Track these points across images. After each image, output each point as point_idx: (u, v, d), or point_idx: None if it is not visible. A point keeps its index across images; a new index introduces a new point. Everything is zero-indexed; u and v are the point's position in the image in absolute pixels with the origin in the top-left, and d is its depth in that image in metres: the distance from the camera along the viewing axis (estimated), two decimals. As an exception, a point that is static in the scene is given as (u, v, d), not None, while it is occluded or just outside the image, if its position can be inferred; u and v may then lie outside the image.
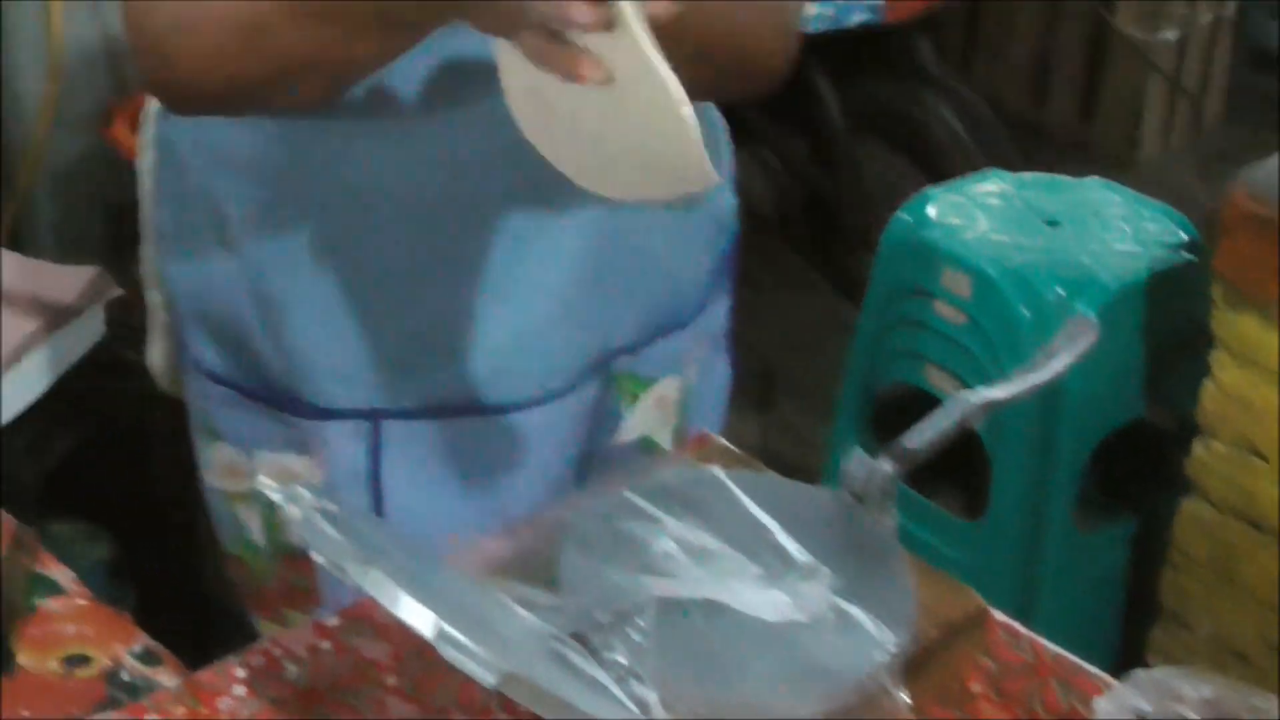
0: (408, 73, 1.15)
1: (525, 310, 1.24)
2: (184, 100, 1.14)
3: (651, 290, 1.31)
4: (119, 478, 2.01)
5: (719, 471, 1.09)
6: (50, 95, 2.29)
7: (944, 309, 2.06)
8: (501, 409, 1.27)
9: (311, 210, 1.22)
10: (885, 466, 1.07)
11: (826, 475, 2.22)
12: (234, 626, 2.12)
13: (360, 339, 1.24)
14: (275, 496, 0.86)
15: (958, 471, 2.09)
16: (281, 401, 1.28)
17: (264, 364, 1.27)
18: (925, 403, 2.06)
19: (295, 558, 1.30)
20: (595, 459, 1.35)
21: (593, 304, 1.27)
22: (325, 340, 1.24)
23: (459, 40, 1.06)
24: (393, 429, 1.26)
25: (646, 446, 1.38)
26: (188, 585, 2.11)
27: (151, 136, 1.32)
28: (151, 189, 1.33)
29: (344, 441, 1.27)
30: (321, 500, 0.86)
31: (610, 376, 1.32)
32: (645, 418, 1.37)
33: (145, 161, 1.34)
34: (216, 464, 1.35)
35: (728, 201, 1.40)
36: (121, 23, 1.11)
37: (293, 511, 0.84)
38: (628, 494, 1.05)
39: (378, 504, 1.28)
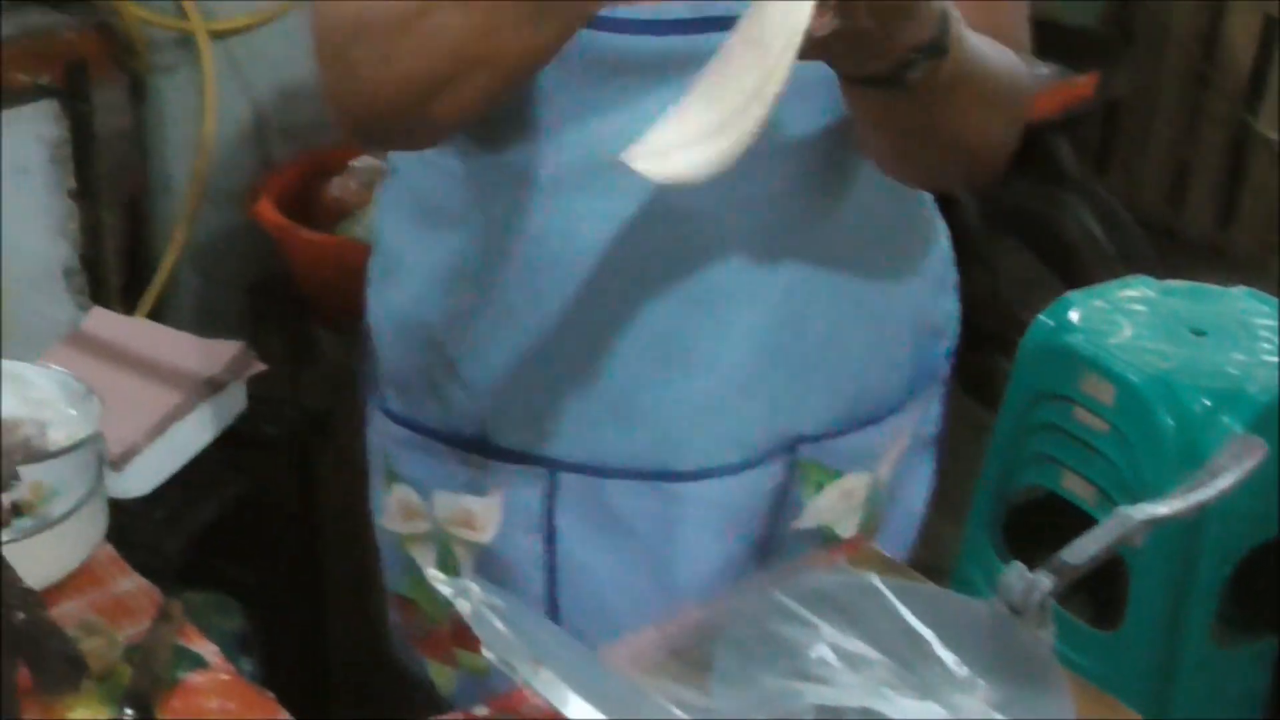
0: (599, 130, 1.16)
1: (699, 381, 1.24)
2: (365, 116, 1.14)
3: (843, 381, 1.31)
4: (251, 550, 2.03)
5: (875, 579, 1.08)
6: (199, 172, 2.33)
7: (1085, 415, 2.03)
8: (671, 477, 1.27)
9: (499, 261, 1.24)
10: (1045, 581, 1.06)
11: (956, 578, 2.19)
12: (355, 703, 2.14)
13: (541, 390, 1.26)
14: (445, 590, 0.86)
15: (1091, 579, 2.05)
16: (465, 441, 1.30)
17: (452, 404, 1.30)
18: (1058, 509, 2.07)
19: None
20: (773, 542, 1.34)
21: (774, 385, 1.27)
22: (510, 386, 1.26)
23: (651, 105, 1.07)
24: (569, 480, 1.28)
25: (826, 537, 1.36)
26: (314, 658, 2.13)
27: (382, 186, 1.36)
28: (373, 239, 1.37)
29: (522, 485, 1.29)
30: (490, 595, 0.86)
31: (795, 462, 1.32)
32: (828, 508, 1.35)
33: (376, 211, 1.38)
34: (393, 506, 1.37)
35: (944, 304, 1.39)
36: (313, 35, 1.13)
37: (463, 606, 0.84)
38: (782, 597, 1.05)
39: (550, 551, 1.30)
